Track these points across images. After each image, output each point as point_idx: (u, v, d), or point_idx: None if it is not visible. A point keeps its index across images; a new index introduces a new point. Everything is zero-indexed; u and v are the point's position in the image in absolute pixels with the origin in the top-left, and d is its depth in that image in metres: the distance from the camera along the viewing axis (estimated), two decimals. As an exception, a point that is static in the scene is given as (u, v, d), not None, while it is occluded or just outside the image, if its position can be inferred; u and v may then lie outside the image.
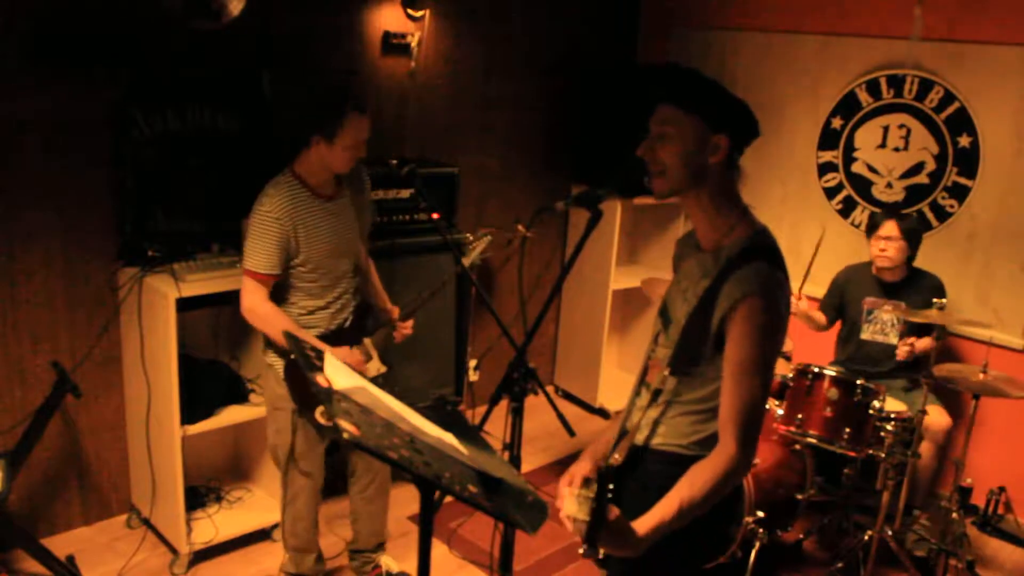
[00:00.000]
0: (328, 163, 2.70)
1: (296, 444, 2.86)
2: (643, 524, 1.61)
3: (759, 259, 1.69)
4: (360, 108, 2.63)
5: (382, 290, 3.16)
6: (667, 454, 1.82)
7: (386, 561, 3.22)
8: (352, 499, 3.14)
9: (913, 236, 3.69)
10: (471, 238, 3.14)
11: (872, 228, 3.75)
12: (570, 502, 1.58)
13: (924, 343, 3.70)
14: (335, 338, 2.82)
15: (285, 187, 2.68)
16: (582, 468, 1.88)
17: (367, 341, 2.94)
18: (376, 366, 2.97)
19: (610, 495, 1.54)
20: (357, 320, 2.92)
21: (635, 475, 1.84)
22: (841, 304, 3.92)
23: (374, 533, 3.16)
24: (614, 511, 1.58)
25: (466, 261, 3.02)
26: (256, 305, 2.69)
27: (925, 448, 3.55)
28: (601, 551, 1.56)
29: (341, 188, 2.83)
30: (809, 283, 4.41)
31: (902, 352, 3.67)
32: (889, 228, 3.66)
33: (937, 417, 3.57)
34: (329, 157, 2.67)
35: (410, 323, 3.05)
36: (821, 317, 3.97)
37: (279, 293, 2.77)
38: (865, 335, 3.82)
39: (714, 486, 1.64)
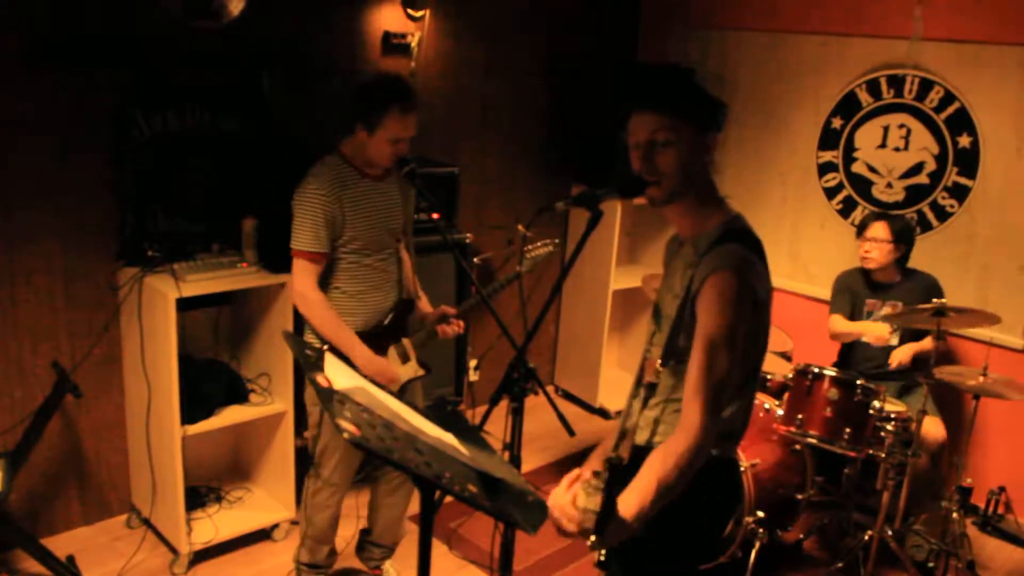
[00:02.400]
0: (369, 153, 2.70)
1: (324, 440, 2.85)
2: (627, 508, 1.59)
3: (730, 241, 1.72)
4: (403, 104, 2.62)
5: (418, 288, 3.12)
6: None
7: (387, 567, 3.21)
8: (374, 490, 3.12)
9: (903, 238, 3.68)
10: (533, 247, 3.11)
11: (860, 229, 3.75)
12: (580, 494, 1.55)
13: (922, 345, 3.70)
14: (376, 337, 2.82)
15: (330, 165, 2.70)
16: (592, 468, 1.88)
17: (406, 341, 2.93)
18: (414, 368, 2.96)
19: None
20: (399, 318, 2.90)
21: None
22: (853, 308, 3.90)
23: (389, 529, 3.14)
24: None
25: (520, 268, 3.02)
26: (308, 290, 2.68)
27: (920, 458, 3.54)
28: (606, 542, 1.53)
29: (388, 172, 2.83)
30: (807, 283, 4.43)
31: (896, 363, 3.68)
32: (876, 230, 3.65)
33: (932, 428, 3.54)
34: (370, 147, 2.67)
35: (461, 323, 3.02)
36: (840, 323, 3.93)
37: (325, 277, 2.75)
38: (866, 337, 3.82)
39: (685, 461, 1.62)
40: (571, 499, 1.58)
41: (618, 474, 1.48)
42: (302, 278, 2.69)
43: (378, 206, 2.78)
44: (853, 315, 3.88)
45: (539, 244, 3.14)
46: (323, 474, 2.89)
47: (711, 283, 1.67)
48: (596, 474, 1.59)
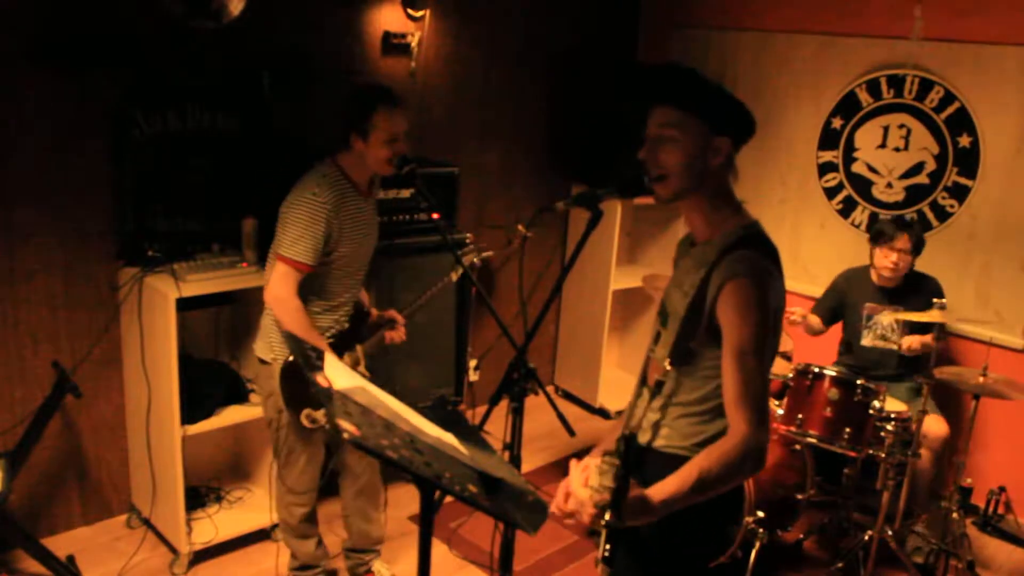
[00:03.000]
0: (369, 163, 2.68)
1: (287, 446, 2.86)
2: (660, 491, 1.59)
3: (748, 247, 1.72)
4: (387, 102, 2.62)
5: (364, 293, 3.13)
6: (670, 456, 1.81)
7: (378, 567, 3.22)
8: (343, 498, 3.13)
9: (920, 247, 3.68)
10: (469, 246, 3.12)
11: (881, 237, 3.69)
12: (592, 473, 1.53)
13: (927, 338, 3.69)
14: (334, 344, 2.82)
15: (332, 177, 2.67)
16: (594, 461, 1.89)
17: (359, 348, 2.94)
18: (361, 373, 2.96)
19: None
20: (355, 325, 2.92)
21: (640, 475, 1.84)
22: (839, 307, 3.91)
23: (364, 533, 3.15)
24: (632, 485, 1.56)
25: (453, 276, 3.02)
26: (288, 296, 2.63)
27: (922, 455, 3.54)
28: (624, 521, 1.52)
29: (373, 187, 2.84)
30: (807, 283, 4.43)
31: (906, 347, 3.65)
32: (903, 241, 3.63)
33: (935, 426, 3.55)
34: (369, 155, 2.66)
35: (403, 329, 3.03)
36: (817, 321, 3.96)
37: (301, 285, 2.70)
38: (866, 341, 3.81)
39: (732, 463, 1.61)
40: (583, 481, 1.57)
41: (633, 448, 1.47)
42: (283, 284, 2.62)
43: (366, 223, 2.79)
44: (845, 317, 3.88)
45: (470, 249, 3.13)
46: (289, 479, 2.91)
47: (730, 291, 1.67)
48: (608, 453, 1.57)
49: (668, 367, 1.78)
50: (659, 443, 1.84)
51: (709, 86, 1.75)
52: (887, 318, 3.74)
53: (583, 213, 1.96)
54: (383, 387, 2.70)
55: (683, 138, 1.72)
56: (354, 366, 2.91)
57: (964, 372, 3.42)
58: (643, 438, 1.86)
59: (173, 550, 3.27)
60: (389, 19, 3.91)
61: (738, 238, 1.74)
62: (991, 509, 3.80)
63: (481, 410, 3.61)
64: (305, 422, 2.73)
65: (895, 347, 3.75)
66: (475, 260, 3.13)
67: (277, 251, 2.65)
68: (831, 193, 4.38)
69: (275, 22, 3.50)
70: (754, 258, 1.70)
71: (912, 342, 3.65)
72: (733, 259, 1.69)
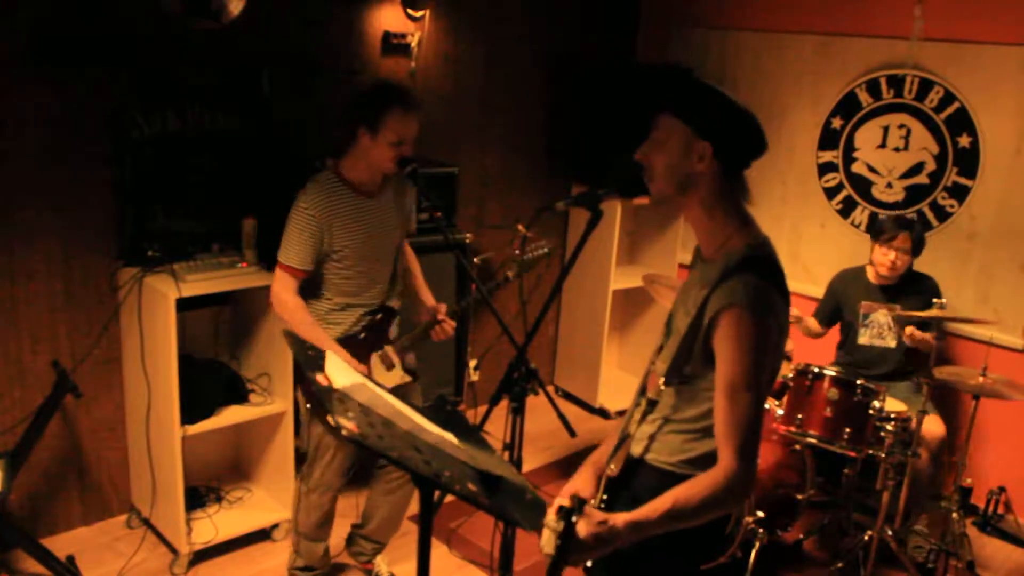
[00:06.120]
0: (372, 159, 2.70)
1: (314, 440, 2.87)
2: (624, 516, 1.58)
3: (751, 271, 1.65)
4: (404, 104, 2.63)
5: (425, 287, 3.12)
6: (657, 470, 1.80)
7: (378, 562, 3.22)
8: (373, 488, 3.12)
9: (920, 246, 3.68)
10: (530, 249, 3.04)
11: (882, 234, 3.68)
12: (544, 534, 1.55)
13: (927, 335, 3.68)
14: (355, 345, 2.82)
15: (324, 183, 2.72)
16: (582, 480, 1.89)
17: (389, 348, 2.93)
18: (399, 375, 2.95)
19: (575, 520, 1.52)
20: (379, 326, 2.90)
21: (629, 487, 1.83)
22: (836, 309, 3.91)
23: (384, 527, 3.14)
24: (593, 516, 1.56)
25: (510, 273, 2.98)
26: (285, 294, 2.73)
27: (920, 455, 3.54)
28: None
29: (384, 187, 2.83)
30: (807, 283, 4.44)
31: (908, 333, 3.61)
32: (903, 240, 3.62)
33: (932, 426, 3.53)
34: (373, 152, 2.68)
35: (453, 323, 3.00)
36: (815, 324, 3.96)
37: (314, 287, 2.79)
38: (863, 340, 3.79)
39: (711, 496, 1.59)
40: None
41: (570, 521, 1.48)
42: (281, 285, 2.74)
43: (371, 223, 2.78)
44: (843, 316, 3.89)
45: (534, 247, 3.10)
46: (314, 475, 2.91)
47: (727, 321, 1.61)
48: (559, 512, 1.57)
49: (663, 387, 1.76)
50: (649, 456, 1.83)
51: (697, 88, 1.71)
52: (883, 316, 3.74)
53: (583, 213, 1.96)
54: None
55: (668, 141, 1.69)
56: (387, 368, 2.91)
57: (964, 372, 3.42)
58: (636, 449, 1.85)
59: (173, 550, 3.27)
60: (389, 19, 3.91)
61: (740, 259, 1.67)
62: (991, 509, 3.81)
63: (481, 410, 3.62)
64: (331, 421, 2.71)
65: (892, 345, 3.75)
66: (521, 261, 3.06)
67: (277, 255, 2.75)
68: (831, 193, 4.38)
69: (275, 22, 3.50)
70: (755, 284, 1.63)
71: (915, 330, 3.60)
72: (733, 285, 1.63)
